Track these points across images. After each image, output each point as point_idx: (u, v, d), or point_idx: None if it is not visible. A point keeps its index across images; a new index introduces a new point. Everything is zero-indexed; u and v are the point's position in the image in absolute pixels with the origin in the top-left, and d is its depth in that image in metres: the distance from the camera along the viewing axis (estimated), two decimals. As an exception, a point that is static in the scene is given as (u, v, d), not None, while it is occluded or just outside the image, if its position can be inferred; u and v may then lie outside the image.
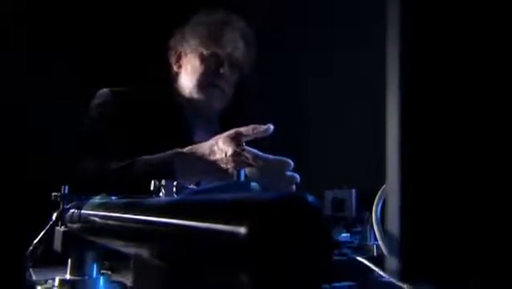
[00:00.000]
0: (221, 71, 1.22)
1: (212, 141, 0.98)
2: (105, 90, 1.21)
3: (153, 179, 0.92)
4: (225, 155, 0.95)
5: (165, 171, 0.95)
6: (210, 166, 0.96)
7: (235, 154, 0.94)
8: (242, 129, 0.97)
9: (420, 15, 0.38)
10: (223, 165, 0.95)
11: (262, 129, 0.98)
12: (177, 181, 0.92)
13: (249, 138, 0.97)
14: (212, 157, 0.96)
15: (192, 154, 0.99)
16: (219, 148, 0.96)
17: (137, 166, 0.98)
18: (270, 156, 0.96)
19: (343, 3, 1.49)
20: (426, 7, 0.37)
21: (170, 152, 1.00)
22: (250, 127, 0.97)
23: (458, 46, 0.37)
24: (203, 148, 0.98)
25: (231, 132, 0.97)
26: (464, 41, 0.36)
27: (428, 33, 0.37)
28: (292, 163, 0.97)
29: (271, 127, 0.98)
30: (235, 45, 1.25)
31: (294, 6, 1.68)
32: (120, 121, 1.13)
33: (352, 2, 1.47)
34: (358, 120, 1.29)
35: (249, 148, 0.96)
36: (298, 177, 0.98)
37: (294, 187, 0.98)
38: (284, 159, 0.97)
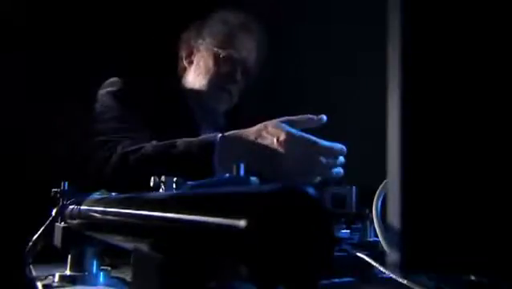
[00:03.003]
0: (235, 76, 1.20)
1: (259, 126, 0.93)
2: (114, 78, 1.19)
3: (192, 162, 0.91)
4: (277, 140, 0.90)
5: (205, 154, 0.91)
6: (259, 151, 0.91)
7: (288, 139, 0.90)
8: (294, 117, 0.93)
9: (421, 14, 0.38)
10: (273, 150, 0.90)
11: (315, 119, 0.94)
12: (216, 167, 0.90)
13: (301, 127, 0.93)
14: (260, 142, 0.91)
15: (236, 138, 0.94)
16: (269, 132, 0.91)
17: (177, 146, 0.94)
18: (324, 142, 0.92)
19: (344, 3, 1.49)
20: (427, 6, 0.38)
21: (211, 134, 0.96)
22: (304, 116, 0.94)
23: (459, 45, 0.37)
24: (248, 132, 0.94)
25: (282, 118, 0.93)
26: (465, 40, 0.36)
27: (429, 32, 0.37)
28: (345, 148, 0.94)
29: (324, 118, 0.94)
30: (251, 51, 1.23)
31: (295, 5, 1.68)
32: (130, 107, 1.11)
33: (353, 2, 1.47)
34: (358, 118, 1.29)
35: (302, 133, 0.91)
36: (344, 160, 0.95)
37: (342, 171, 0.95)
38: (337, 145, 0.93)
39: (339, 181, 0.92)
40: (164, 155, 0.93)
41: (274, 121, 0.93)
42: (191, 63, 1.27)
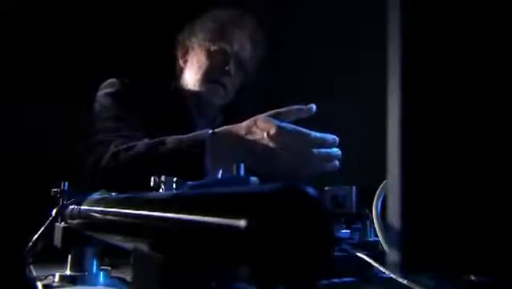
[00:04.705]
0: (227, 68, 1.21)
1: (249, 122, 0.92)
2: (112, 79, 1.20)
3: (182, 159, 0.90)
4: (267, 134, 0.89)
5: (196, 151, 0.90)
6: (250, 147, 0.89)
7: (279, 133, 0.89)
8: (283, 110, 0.92)
9: (421, 14, 0.38)
10: (264, 145, 0.89)
11: (304, 109, 0.93)
12: (207, 163, 0.89)
13: (291, 119, 0.92)
14: (250, 137, 0.90)
15: (226, 135, 0.93)
16: (259, 127, 0.90)
17: (168, 144, 0.93)
18: (315, 133, 0.90)
19: (344, 3, 1.49)
20: (427, 6, 0.38)
21: (201, 131, 0.96)
22: (293, 107, 0.92)
23: (459, 44, 0.37)
24: (239, 128, 0.93)
25: (271, 112, 0.92)
26: (465, 40, 0.36)
27: (429, 32, 0.37)
28: (337, 139, 0.92)
29: (314, 107, 0.93)
30: (243, 44, 1.24)
31: (294, 5, 1.69)
32: (127, 107, 1.12)
33: (353, 2, 1.47)
34: (358, 118, 1.29)
35: (292, 126, 0.90)
36: (340, 152, 0.94)
37: (337, 163, 0.94)
38: (329, 135, 0.92)
39: (334, 179, 0.91)
40: (155, 152, 0.93)
41: (264, 115, 0.92)
42: (186, 62, 1.28)
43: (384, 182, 0.63)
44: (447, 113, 0.36)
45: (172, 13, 1.52)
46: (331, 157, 0.93)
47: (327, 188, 0.75)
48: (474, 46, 0.36)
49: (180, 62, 1.30)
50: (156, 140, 0.96)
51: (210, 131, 0.94)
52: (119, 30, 1.54)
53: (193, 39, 1.26)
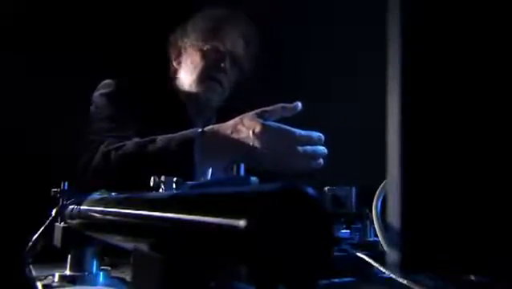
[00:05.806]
0: (222, 65, 1.21)
1: (235, 120, 0.94)
2: (108, 80, 1.21)
3: (171, 157, 0.91)
4: (253, 133, 0.91)
5: (184, 150, 0.91)
6: (235, 145, 0.91)
7: (264, 131, 0.90)
8: (269, 108, 0.94)
9: (421, 14, 0.38)
10: (250, 143, 0.90)
11: (290, 107, 0.94)
12: (196, 162, 0.90)
13: (276, 117, 0.94)
14: (236, 136, 0.92)
15: (214, 133, 0.95)
16: (245, 125, 0.92)
17: (157, 143, 0.94)
18: (300, 131, 0.92)
19: (343, 3, 1.49)
20: (426, 6, 0.38)
21: (191, 130, 0.97)
22: (278, 105, 0.94)
23: (459, 44, 0.37)
24: (225, 126, 0.94)
25: (257, 110, 0.94)
26: (465, 40, 0.36)
27: (429, 31, 0.37)
28: (323, 136, 0.94)
29: (299, 105, 0.94)
30: (236, 41, 1.24)
31: (294, 5, 1.68)
32: (124, 109, 1.12)
33: (352, 2, 1.47)
34: (358, 118, 1.29)
35: (277, 124, 0.92)
36: (326, 150, 0.95)
37: (322, 161, 0.95)
38: (315, 133, 0.93)
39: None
40: (144, 151, 0.94)
41: (250, 114, 0.93)
42: (180, 63, 1.28)
43: (384, 182, 0.63)
44: (447, 113, 0.36)
45: (169, 13, 1.52)
46: (316, 155, 0.94)
47: (327, 188, 0.75)
48: (474, 46, 0.36)
49: (174, 63, 1.29)
50: (147, 139, 0.96)
51: (199, 130, 0.95)
52: (118, 31, 1.54)
53: (186, 39, 1.26)
